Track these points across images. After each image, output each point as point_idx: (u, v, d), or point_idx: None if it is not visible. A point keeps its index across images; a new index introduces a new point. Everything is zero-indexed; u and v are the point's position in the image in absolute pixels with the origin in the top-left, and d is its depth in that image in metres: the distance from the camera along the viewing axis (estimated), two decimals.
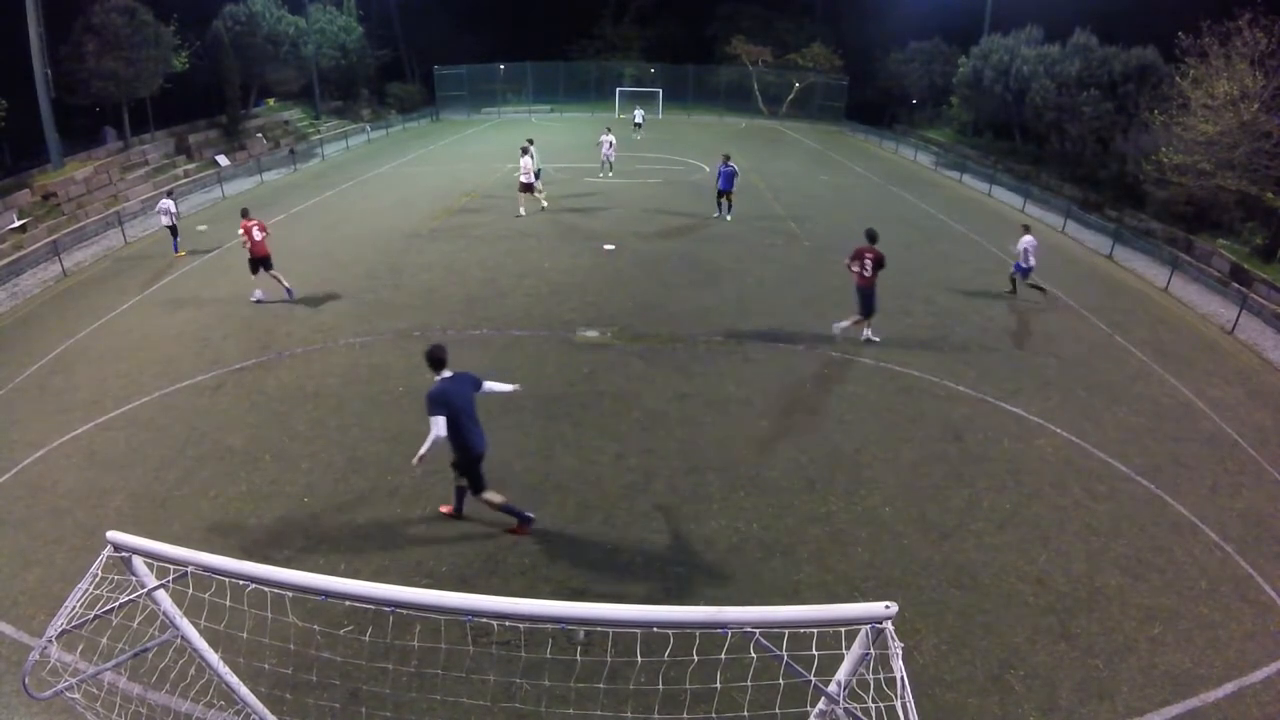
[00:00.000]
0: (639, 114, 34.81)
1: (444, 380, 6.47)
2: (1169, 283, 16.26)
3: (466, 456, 6.62)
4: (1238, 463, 9.26)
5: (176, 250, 16.09)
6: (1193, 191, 18.88)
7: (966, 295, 14.61)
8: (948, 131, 34.13)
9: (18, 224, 17.08)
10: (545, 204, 19.10)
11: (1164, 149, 19.02)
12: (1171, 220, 19.82)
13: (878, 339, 11.83)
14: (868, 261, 11.16)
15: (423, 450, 6.26)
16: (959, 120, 33.53)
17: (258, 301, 12.98)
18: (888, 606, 3.01)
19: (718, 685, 3.27)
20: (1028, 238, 13.90)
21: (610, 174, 24.28)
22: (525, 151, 18.45)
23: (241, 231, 12.59)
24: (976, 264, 16.86)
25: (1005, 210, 23.35)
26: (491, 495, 6.92)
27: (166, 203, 15.94)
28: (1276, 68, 16.96)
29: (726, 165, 18.47)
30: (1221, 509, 8.14)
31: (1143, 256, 18.67)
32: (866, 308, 11.46)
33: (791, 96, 42.25)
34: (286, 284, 13.09)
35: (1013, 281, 14.64)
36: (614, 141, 24.46)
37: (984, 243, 18.59)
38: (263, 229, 12.79)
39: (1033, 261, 13.94)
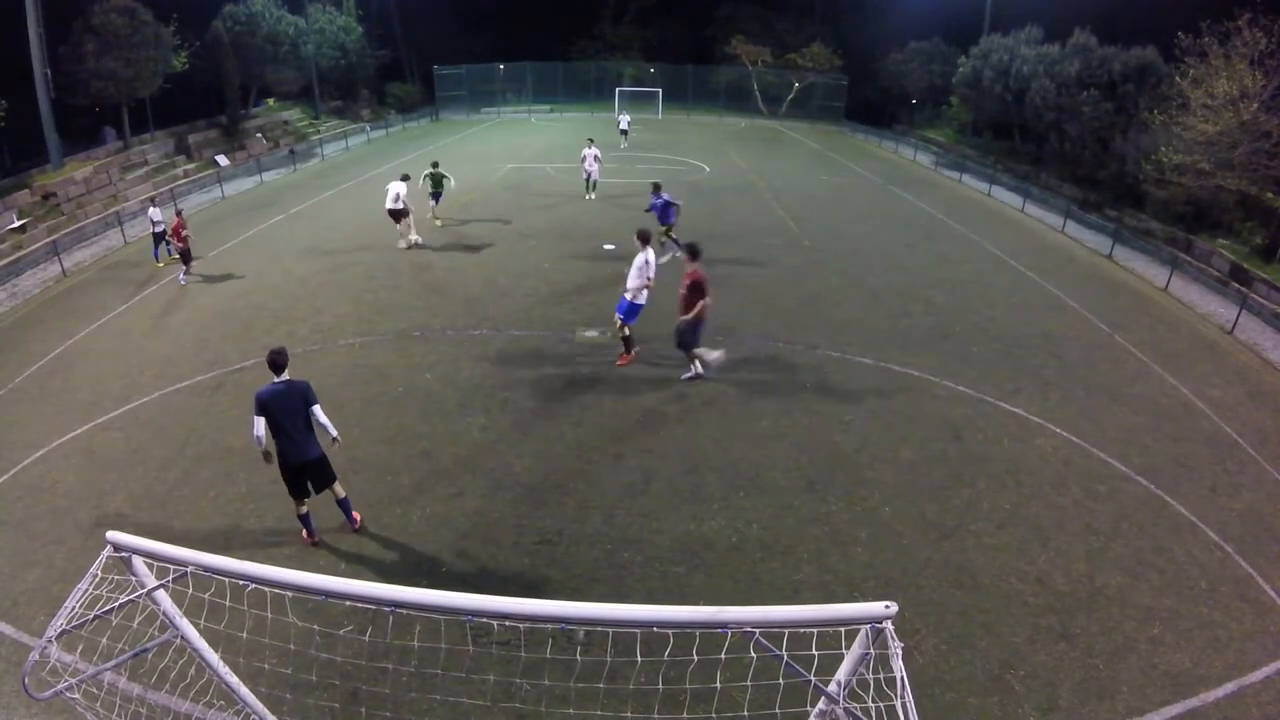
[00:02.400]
0: (624, 119, 31.66)
1: (274, 385, 6.47)
2: (1169, 283, 16.27)
3: (279, 462, 6.57)
4: (1237, 463, 9.26)
5: (157, 258, 15.84)
6: (1192, 191, 18.88)
7: (966, 295, 14.61)
8: (947, 131, 34.14)
9: (17, 224, 17.08)
10: (415, 239, 16.32)
11: (1163, 149, 19.03)
12: (1171, 220, 19.83)
13: (690, 374, 10.36)
14: (684, 282, 9.67)
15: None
16: (958, 120, 33.53)
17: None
18: (887, 606, 3.01)
19: (718, 685, 3.27)
20: None
21: (592, 195, 21.08)
22: (405, 179, 15.86)
23: (175, 228, 14.20)
24: (975, 264, 16.86)
25: (1005, 210, 23.37)
26: (299, 506, 6.86)
27: (153, 211, 15.87)
28: (1276, 67, 16.97)
29: (658, 196, 15.00)
30: (1221, 509, 8.14)
31: (1142, 256, 18.69)
32: (680, 338, 10.04)
33: (791, 96, 42.27)
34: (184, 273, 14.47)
35: None
36: (598, 155, 20.78)
37: (983, 243, 18.60)
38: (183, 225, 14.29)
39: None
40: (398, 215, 15.75)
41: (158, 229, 15.74)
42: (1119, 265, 18.02)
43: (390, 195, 15.52)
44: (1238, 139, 17.43)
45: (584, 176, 20.95)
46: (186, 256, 14.47)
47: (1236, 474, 8.99)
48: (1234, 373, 12.09)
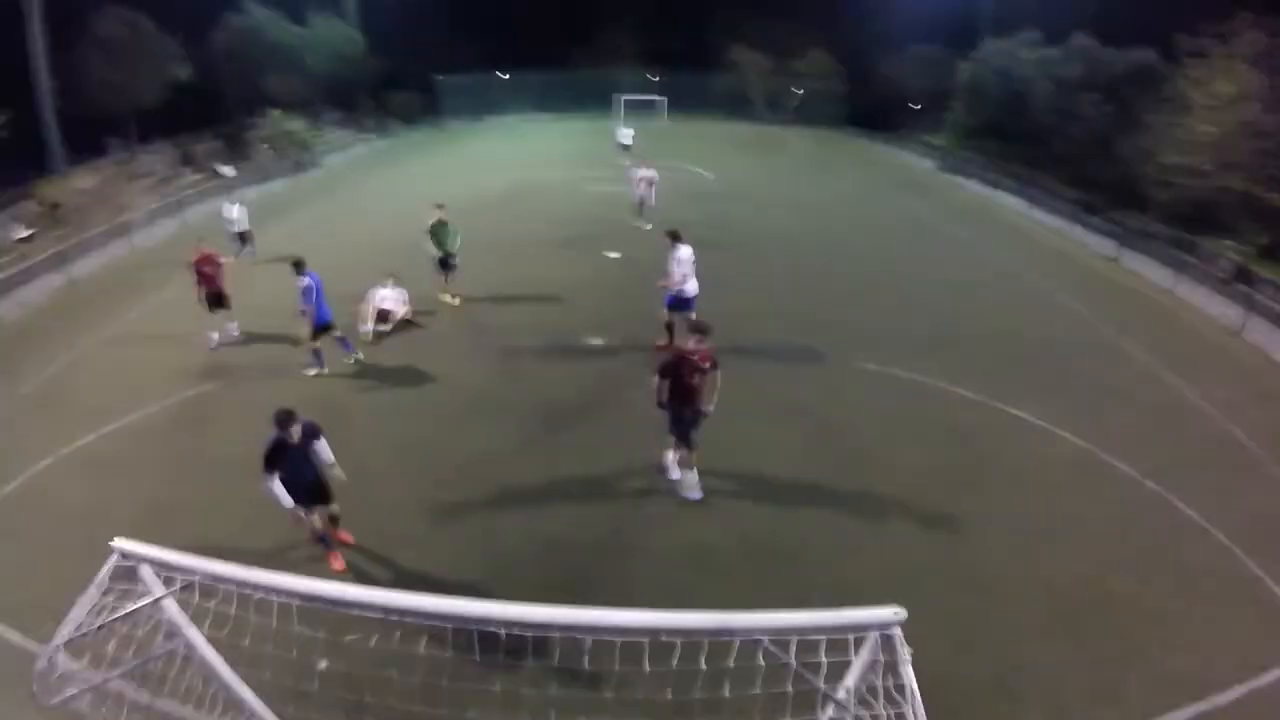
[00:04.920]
0: (626, 134, 29.03)
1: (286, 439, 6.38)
2: (1174, 285, 16.22)
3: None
4: (1245, 464, 9.22)
5: (237, 257, 15.21)
6: (1194, 192, 18.86)
7: (969, 299, 14.59)
8: (948, 136, 34.12)
9: (26, 234, 17.16)
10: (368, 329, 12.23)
11: (1165, 150, 19.02)
12: (1174, 222, 19.78)
13: (693, 495, 8.05)
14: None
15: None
16: (959, 125, 33.51)
17: (214, 348, 11.71)
18: (896, 612, 3.00)
19: (726, 693, 3.26)
20: None
21: (646, 224, 17.84)
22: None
23: (194, 262, 11.39)
24: (978, 268, 16.84)
25: (1007, 214, 23.35)
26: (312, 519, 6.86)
27: (227, 208, 16.23)
28: (1275, 67, 16.97)
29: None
30: (1230, 511, 8.09)
31: (1147, 259, 18.60)
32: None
33: (795, 104, 42.27)
34: (233, 326, 12.05)
35: None
36: (655, 179, 18.28)
37: (986, 247, 18.59)
38: (216, 262, 11.63)
39: None
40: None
41: (234, 228, 15.79)
42: (1123, 268, 17.98)
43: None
44: (1239, 140, 17.42)
45: (637, 200, 18.50)
46: (216, 300, 11.56)
47: (1244, 476, 8.95)
48: (1241, 374, 12.05)
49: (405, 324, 12.54)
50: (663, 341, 11.26)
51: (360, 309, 12.21)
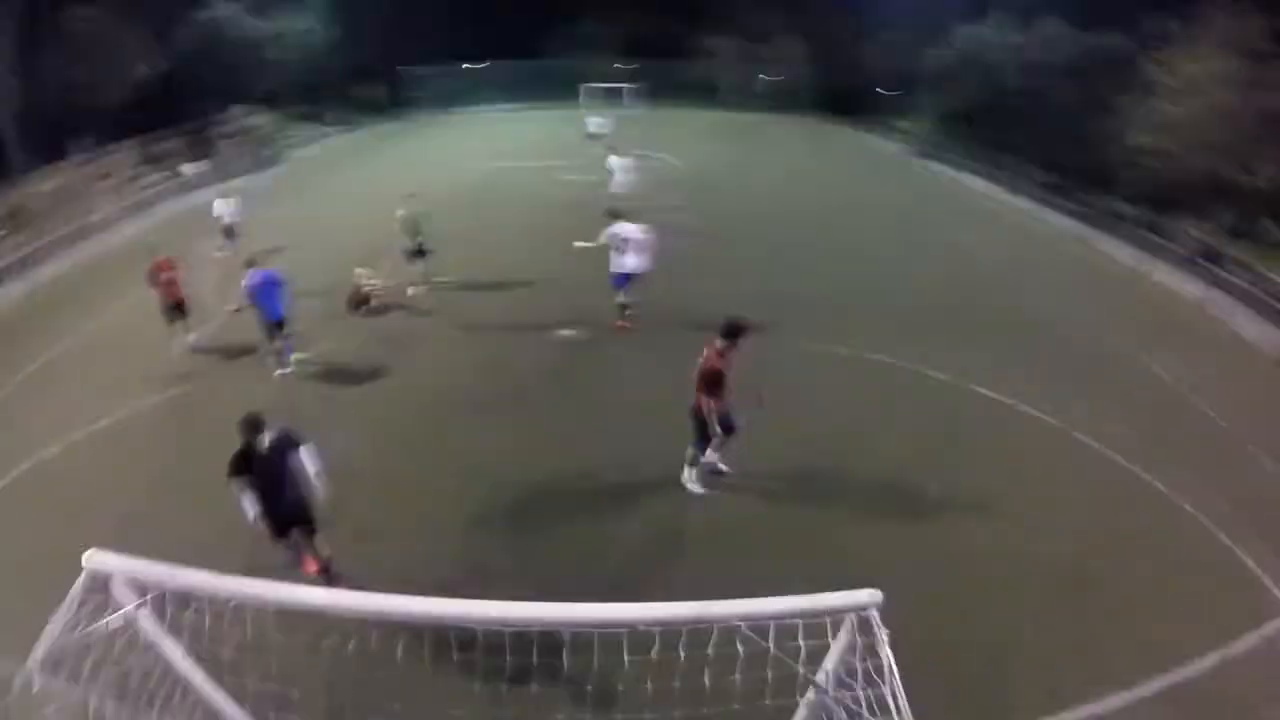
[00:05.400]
0: (595, 122, 28.63)
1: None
2: (1142, 265, 16.50)
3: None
4: (1220, 442, 9.43)
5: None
6: (1161, 174, 19.15)
7: (943, 283, 14.73)
8: (918, 121, 34.31)
9: None
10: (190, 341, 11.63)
11: (1133, 133, 19.29)
12: (1142, 202, 20.09)
13: (725, 467, 8.20)
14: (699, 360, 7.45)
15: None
16: (930, 110, 33.71)
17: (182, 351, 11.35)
18: (871, 594, 3.03)
19: (706, 681, 3.28)
20: None
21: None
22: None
23: (150, 271, 11.02)
24: (950, 252, 17.00)
25: (976, 197, 23.61)
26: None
27: (218, 203, 15.91)
28: (1243, 50, 17.24)
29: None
30: (1205, 488, 8.26)
31: (1115, 239, 18.91)
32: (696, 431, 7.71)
33: (761, 90, 42.24)
34: (191, 337, 11.56)
35: None
36: (626, 165, 17.92)
37: (957, 230, 18.75)
38: (173, 269, 11.17)
39: None
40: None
41: (223, 221, 15.49)
42: (1093, 249, 18.26)
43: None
44: (1206, 122, 17.69)
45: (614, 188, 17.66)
46: (176, 309, 11.18)
47: (1219, 453, 9.16)
48: (1211, 352, 12.31)
49: (381, 308, 12.76)
50: (620, 322, 11.74)
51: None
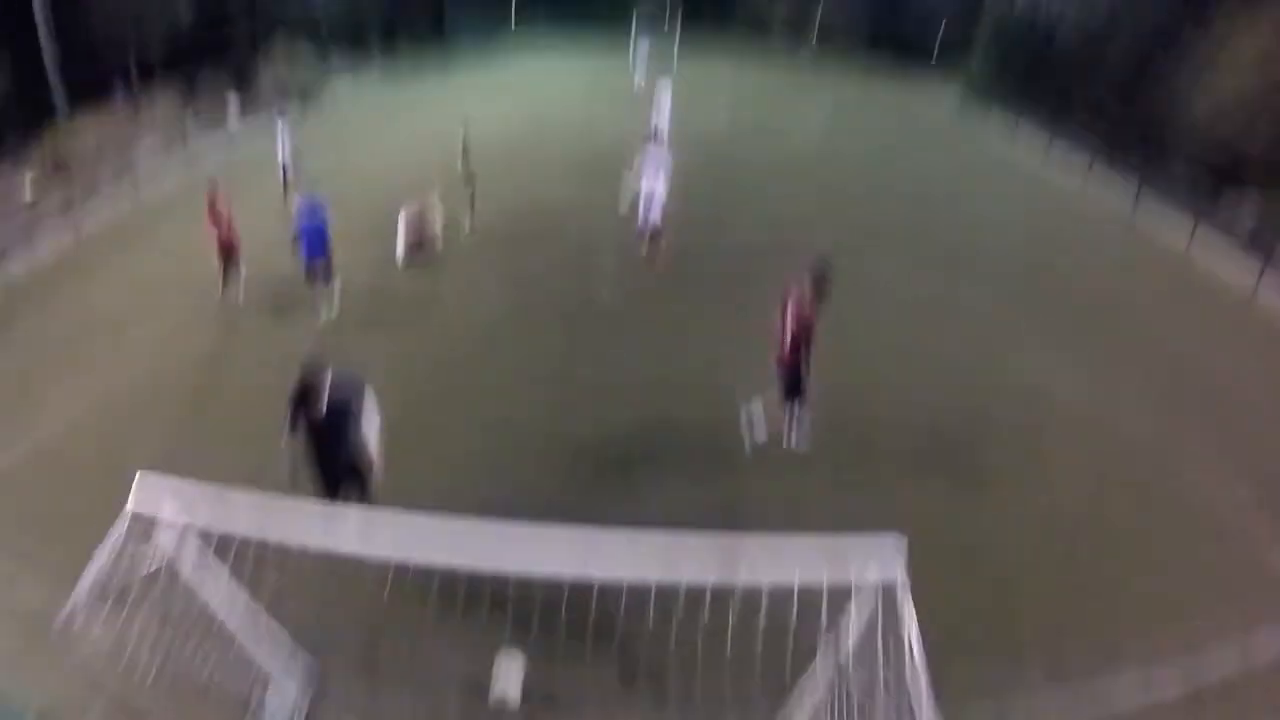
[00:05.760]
0: (643, 70, 28.79)
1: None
2: (1191, 240, 15.86)
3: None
4: (1248, 421, 9.17)
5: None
6: (1223, 147, 18.26)
7: (979, 249, 14.39)
8: (972, 77, 33.02)
9: (30, 199, 17.02)
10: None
11: (1196, 102, 18.38)
12: (1199, 176, 19.21)
13: (800, 446, 7.97)
14: (789, 313, 7.18)
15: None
16: (982, 69, 32.41)
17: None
18: (896, 541, 3.01)
19: (728, 649, 3.33)
20: None
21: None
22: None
23: (210, 210, 10.59)
24: (989, 218, 16.53)
25: (1026, 162, 22.81)
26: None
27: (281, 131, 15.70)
28: None
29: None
30: (1231, 467, 8.10)
31: (1167, 211, 18.16)
32: (789, 386, 7.51)
33: (810, 40, 40.78)
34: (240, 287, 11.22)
35: None
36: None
37: (1000, 198, 18.18)
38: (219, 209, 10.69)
39: None
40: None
41: (285, 160, 15.39)
42: (1143, 226, 17.60)
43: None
44: (1274, 95, 16.79)
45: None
46: (229, 254, 10.83)
47: (1247, 432, 8.92)
48: (1252, 331, 11.91)
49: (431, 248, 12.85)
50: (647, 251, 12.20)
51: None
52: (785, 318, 7.13)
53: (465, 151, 13.69)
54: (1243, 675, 5.63)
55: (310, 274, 10.51)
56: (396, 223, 12.74)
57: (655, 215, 11.69)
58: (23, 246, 14.83)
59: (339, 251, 10.67)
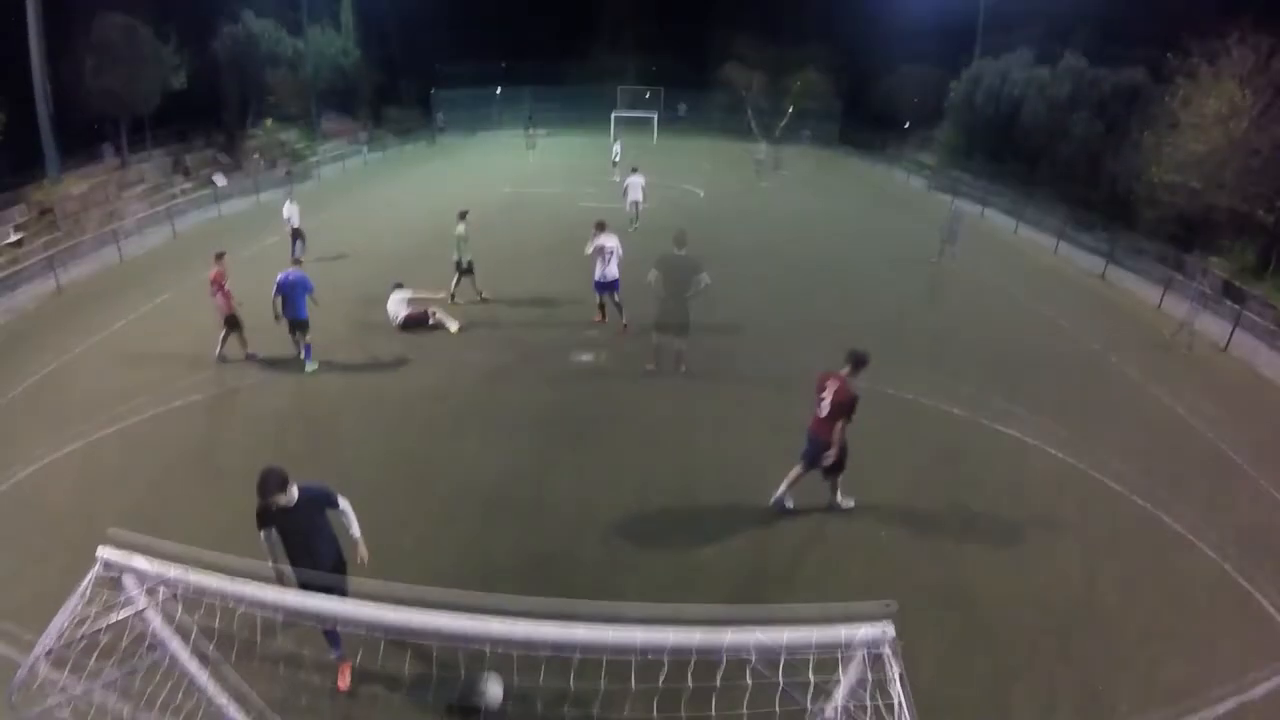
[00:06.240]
0: (617, 148, 29.73)
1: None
2: (1161, 301, 16.36)
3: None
4: (1233, 479, 9.28)
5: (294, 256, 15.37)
6: (1183, 210, 19.08)
7: (958, 317, 14.67)
8: (940, 154, 34.43)
9: (14, 238, 17.07)
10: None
11: (1154, 168, 19.26)
12: (1163, 239, 20.00)
13: (848, 504, 8.16)
14: (824, 397, 7.61)
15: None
16: (951, 144, 33.85)
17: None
18: (887, 607, 2.97)
19: (713, 713, 3.24)
20: None
21: (635, 226, 19.23)
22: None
23: (213, 280, 10.94)
24: (967, 286, 16.94)
25: (998, 232, 23.56)
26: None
27: (287, 207, 16.66)
28: (1264, 85, 17.23)
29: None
30: (1218, 526, 8.12)
31: (1135, 276, 18.78)
32: (812, 456, 7.80)
33: (784, 122, 42.61)
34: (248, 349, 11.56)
35: None
36: (644, 185, 19.57)
37: (975, 265, 18.68)
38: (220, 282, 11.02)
39: None
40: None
41: (291, 224, 16.28)
42: (1112, 285, 18.14)
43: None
44: (1227, 157, 17.65)
45: (628, 206, 19.58)
46: (232, 323, 11.20)
47: (1232, 490, 9.00)
48: (1229, 389, 12.15)
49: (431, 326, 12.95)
50: (596, 318, 13.16)
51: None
52: (820, 398, 7.65)
53: (462, 240, 13.63)
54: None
55: (292, 330, 11.03)
56: (390, 294, 13.03)
57: (613, 288, 12.50)
58: (6, 292, 14.83)
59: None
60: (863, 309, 14.61)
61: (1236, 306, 14.99)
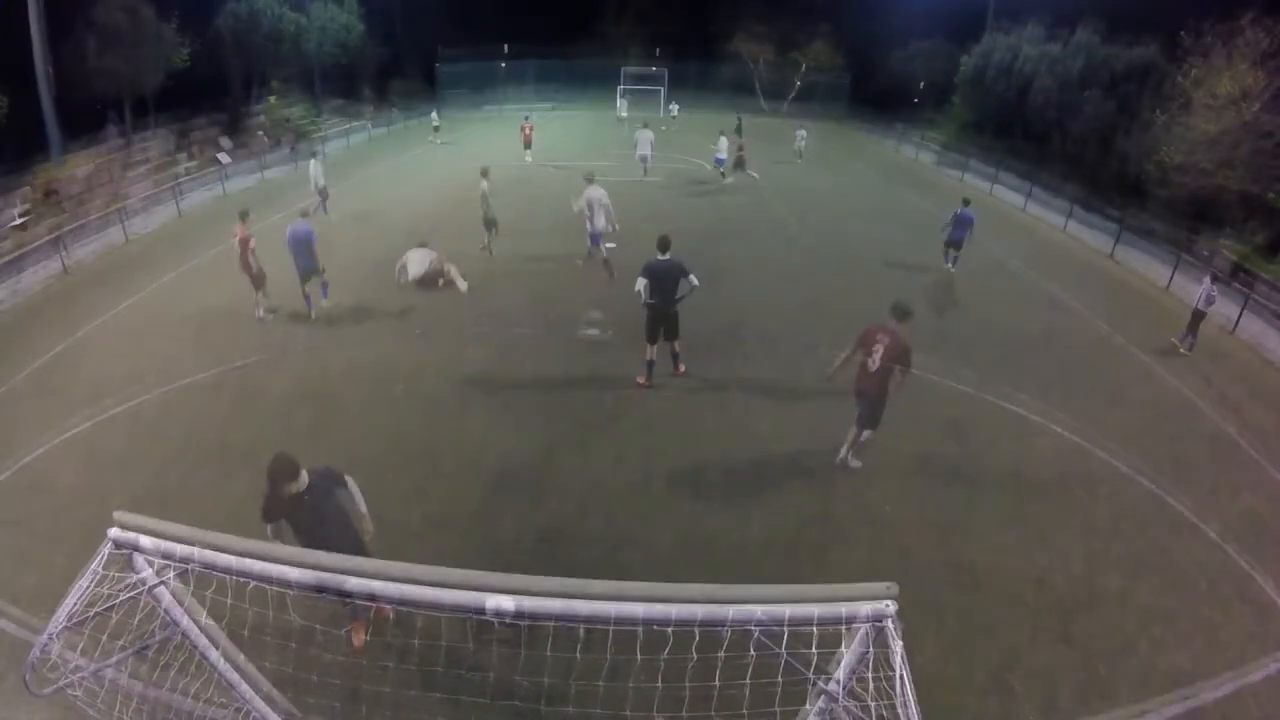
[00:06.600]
0: (625, 105, 36.35)
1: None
2: (1170, 281, 16.23)
3: None
4: (1238, 463, 9.26)
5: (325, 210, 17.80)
6: (1194, 191, 18.87)
7: (966, 294, 14.59)
8: (949, 129, 34.06)
9: (19, 221, 17.08)
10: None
11: (1165, 148, 19.02)
12: (1173, 219, 19.80)
13: (856, 464, 8.44)
14: (876, 350, 7.61)
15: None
16: (961, 119, 33.47)
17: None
18: (889, 587, 2.99)
19: (716, 684, 3.27)
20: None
21: (645, 175, 22.94)
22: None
23: (240, 240, 11.62)
24: (976, 263, 16.81)
25: (1007, 209, 23.32)
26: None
27: (314, 164, 18.19)
28: (1277, 68, 16.97)
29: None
30: (1221, 509, 8.13)
31: (1145, 256, 18.61)
32: (868, 417, 7.99)
33: (792, 95, 42.18)
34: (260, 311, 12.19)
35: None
36: (653, 140, 23.17)
37: (984, 242, 18.52)
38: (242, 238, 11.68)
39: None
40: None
41: (318, 183, 17.72)
42: (1120, 265, 17.99)
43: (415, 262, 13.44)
44: (1239, 138, 17.44)
45: (639, 158, 22.88)
46: (259, 280, 11.92)
47: (1237, 474, 8.99)
48: (1235, 372, 12.08)
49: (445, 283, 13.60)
50: (580, 261, 14.18)
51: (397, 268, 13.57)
52: (872, 352, 7.63)
53: (486, 198, 14.61)
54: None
55: (303, 279, 11.89)
56: (412, 250, 13.67)
57: (599, 240, 13.61)
58: (13, 273, 14.87)
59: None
60: (867, 284, 14.55)
61: (1245, 289, 14.86)
